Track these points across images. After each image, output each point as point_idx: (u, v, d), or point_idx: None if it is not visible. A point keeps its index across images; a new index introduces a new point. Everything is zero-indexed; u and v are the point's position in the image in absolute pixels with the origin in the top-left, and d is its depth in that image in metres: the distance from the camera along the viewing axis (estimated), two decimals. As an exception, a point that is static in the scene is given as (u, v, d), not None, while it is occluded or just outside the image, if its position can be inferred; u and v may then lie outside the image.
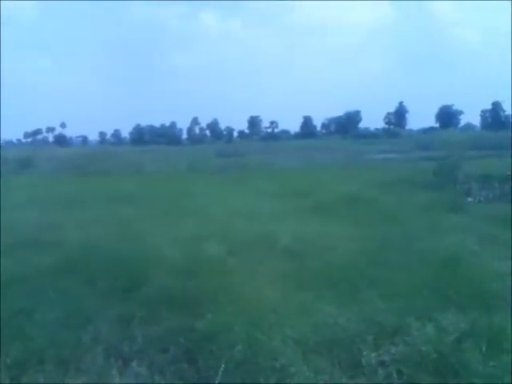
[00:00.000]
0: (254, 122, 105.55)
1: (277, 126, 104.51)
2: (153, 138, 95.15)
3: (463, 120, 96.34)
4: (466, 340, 5.15)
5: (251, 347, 5.29)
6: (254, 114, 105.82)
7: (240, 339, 5.41)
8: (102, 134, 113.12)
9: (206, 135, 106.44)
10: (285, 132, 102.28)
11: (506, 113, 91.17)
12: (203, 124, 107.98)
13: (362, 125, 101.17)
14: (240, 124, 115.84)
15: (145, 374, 4.99)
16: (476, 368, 4.58)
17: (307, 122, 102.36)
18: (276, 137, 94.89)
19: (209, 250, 9.19)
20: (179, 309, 6.46)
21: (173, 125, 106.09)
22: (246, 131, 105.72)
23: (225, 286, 7.15)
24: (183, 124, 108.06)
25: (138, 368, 5.09)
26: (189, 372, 5.08)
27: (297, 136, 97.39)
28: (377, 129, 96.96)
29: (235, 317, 5.99)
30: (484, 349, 4.94)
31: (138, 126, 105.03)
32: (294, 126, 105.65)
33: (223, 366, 4.99)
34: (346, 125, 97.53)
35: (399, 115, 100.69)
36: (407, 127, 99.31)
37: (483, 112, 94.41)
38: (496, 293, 6.70)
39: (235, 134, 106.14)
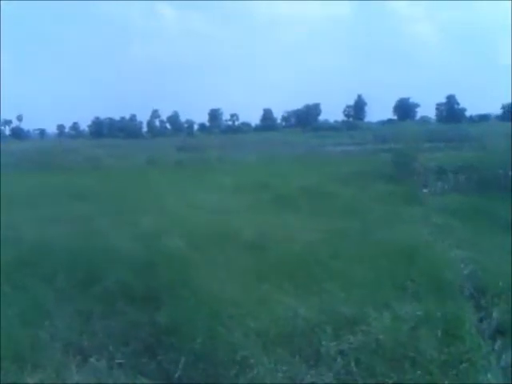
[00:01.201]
0: (214, 115, 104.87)
1: (237, 119, 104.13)
2: (112, 131, 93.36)
3: (419, 113, 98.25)
4: (421, 328, 5.31)
5: (212, 340, 5.32)
6: (215, 106, 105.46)
7: (200, 332, 5.44)
8: (61, 127, 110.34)
9: (166, 128, 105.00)
10: (245, 125, 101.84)
11: (460, 106, 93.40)
12: (163, 117, 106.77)
13: (321, 117, 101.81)
14: (201, 117, 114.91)
15: (104, 369, 4.96)
16: (431, 355, 4.73)
17: (267, 115, 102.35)
18: (237, 129, 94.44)
19: (169, 244, 9.12)
20: (139, 303, 6.45)
21: (133, 118, 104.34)
22: (207, 124, 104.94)
23: (185, 279, 7.15)
24: (143, 117, 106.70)
25: (97, 363, 5.06)
26: (149, 366, 5.09)
27: (257, 129, 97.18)
28: (336, 121, 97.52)
29: (195, 310, 6.02)
30: (439, 336, 5.11)
31: (97, 118, 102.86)
32: (254, 119, 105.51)
33: (184, 359, 5.01)
34: (306, 117, 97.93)
35: (358, 108, 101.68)
36: (366, 119, 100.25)
37: (438, 105, 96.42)
38: (450, 281, 6.91)
39: (196, 126, 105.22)
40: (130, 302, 6.49)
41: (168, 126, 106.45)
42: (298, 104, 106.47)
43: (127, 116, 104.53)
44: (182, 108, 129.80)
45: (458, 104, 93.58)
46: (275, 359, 4.95)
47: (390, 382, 4.41)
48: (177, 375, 4.88)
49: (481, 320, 5.81)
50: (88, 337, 5.61)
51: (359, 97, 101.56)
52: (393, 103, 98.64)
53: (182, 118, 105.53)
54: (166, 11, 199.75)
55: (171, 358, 5.12)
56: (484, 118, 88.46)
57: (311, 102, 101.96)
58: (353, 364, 4.74)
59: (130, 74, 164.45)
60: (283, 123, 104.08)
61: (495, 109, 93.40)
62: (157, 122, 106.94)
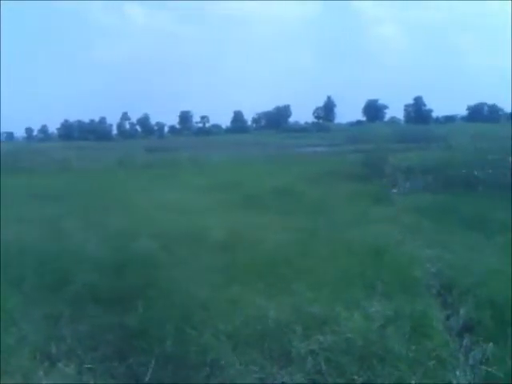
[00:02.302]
0: (184, 117, 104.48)
1: (208, 121, 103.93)
2: (82, 134, 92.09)
3: (388, 114, 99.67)
4: (390, 326, 5.35)
5: (182, 342, 5.29)
6: (185, 108, 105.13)
7: (170, 334, 5.41)
8: (29, 130, 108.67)
9: (136, 130, 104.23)
10: (216, 127, 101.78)
11: (427, 107, 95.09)
12: (133, 119, 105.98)
13: (291, 119, 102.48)
14: (171, 119, 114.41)
15: (73, 374, 4.87)
16: (399, 352, 4.76)
17: (238, 117, 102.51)
18: (207, 132, 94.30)
19: (138, 245, 9.06)
20: (108, 306, 6.35)
21: (102, 120, 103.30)
22: (177, 126, 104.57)
23: (155, 281, 7.11)
24: (113, 119, 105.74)
25: (66, 368, 4.96)
26: (119, 369, 5.02)
27: (228, 131, 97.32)
28: (306, 123, 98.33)
29: (166, 312, 5.98)
30: (407, 334, 5.16)
31: (66, 121, 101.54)
32: (225, 121, 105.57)
33: (154, 361, 4.95)
34: (277, 119, 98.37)
35: (328, 109, 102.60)
36: (336, 121, 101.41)
37: (406, 106, 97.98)
38: (418, 279, 7.02)
39: (166, 129, 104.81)
40: (99, 305, 6.39)
41: (138, 128, 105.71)
42: (268, 106, 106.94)
43: (97, 118, 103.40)
44: (152, 110, 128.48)
45: (425, 105, 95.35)
46: (246, 360, 4.93)
47: (360, 380, 4.43)
48: (147, 378, 4.82)
49: (448, 317, 5.88)
50: (56, 341, 5.49)
51: (329, 98, 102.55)
52: (362, 104, 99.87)
53: (153, 121, 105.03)
54: (134, 11, 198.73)
55: (141, 361, 5.05)
56: (450, 119, 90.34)
57: (281, 103, 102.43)
58: (323, 363, 4.74)
59: (99, 75, 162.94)
60: (254, 125, 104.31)
61: (461, 110, 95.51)
62: (127, 125, 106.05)
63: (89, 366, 5.02)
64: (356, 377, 4.46)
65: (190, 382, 4.75)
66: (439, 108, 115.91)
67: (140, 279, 7.17)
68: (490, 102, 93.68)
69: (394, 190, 16.78)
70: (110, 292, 6.74)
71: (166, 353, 5.12)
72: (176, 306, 6.17)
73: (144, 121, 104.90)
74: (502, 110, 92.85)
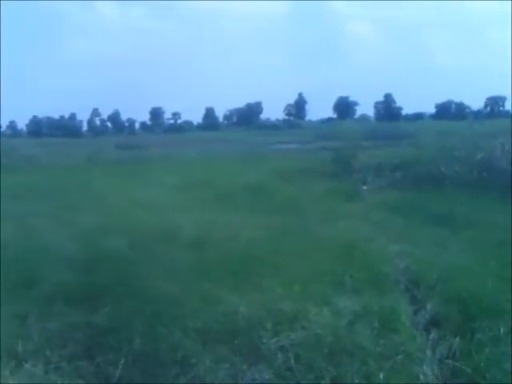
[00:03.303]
0: (156, 114, 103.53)
1: (179, 118, 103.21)
2: (51, 131, 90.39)
3: (359, 111, 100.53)
4: (359, 322, 5.42)
5: (151, 340, 5.28)
6: (157, 105, 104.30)
7: (140, 332, 5.38)
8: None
9: (107, 127, 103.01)
10: (187, 123, 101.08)
11: (397, 105, 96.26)
12: (104, 115, 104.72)
13: (263, 116, 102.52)
14: (142, 115, 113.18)
15: (40, 374, 4.80)
16: (368, 348, 4.83)
17: (209, 114, 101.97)
18: (179, 128, 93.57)
19: (109, 243, 9.00)
20: (77, 304, 6.29)
21: (72, 116, 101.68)
22: (149, 123, 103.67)
23: (125, 279, 7.07)
24: (83, 115, 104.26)
25: (33, 368, 4.88)
26: (87, 369, 4.95)
27: (200, 127, 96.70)
28: (278, 120, 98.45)
29: (135, 310, 5.97)
30: (375, 329, 5.24)
31: (35, 117, 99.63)
32: (196, 117, 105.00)
33: (123, 360, 4.91)
34: (248, 116, 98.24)
35: (299, 106, 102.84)
36: (307, 118, 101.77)
37: (376, 104, 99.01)
38: (386, 275, 7.11)
39: (137, 125, 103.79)
40: (68, 303, 6.32)
41: (109, 124, 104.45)
42: (239, 102, 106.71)
43: (66, 115, 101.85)
44: (123, 106, 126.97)
45: (394, 103, 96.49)
46: (216, 358, 4.94)
47: (329, 376, 4.47)
48: (116, 377, 4.78)
49: (415, 312, 5.96)
50: (23, 341, 5.39)
51: (300, 95, 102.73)
52: (333, 102, 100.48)
53: (123, 117, 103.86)
54: (105, 6, 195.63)
55: (110, 360, 5.00)
56: (419, 116, 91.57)
57: (253, 100, 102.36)
58: (292, 360, 4.77)
59: (69, 71, 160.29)
60: (225, 122, 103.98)
61: (429, 108, 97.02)
62: (97, 121, 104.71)
63: (56, 365, 4.95)
64: (325, 372, 4.50)
65: (160, 380, 4.72)
66: (408, 105, 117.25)
67: (110, 277, 7.13)
68: (457, 100, 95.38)
69: (364, 187, 16.92)
70: (80, 290, 6.69)
71: (135, 351, 5.09)
72: (146, 304, 6.15)
73: (115, 117, 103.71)
74: (468, 107, 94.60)
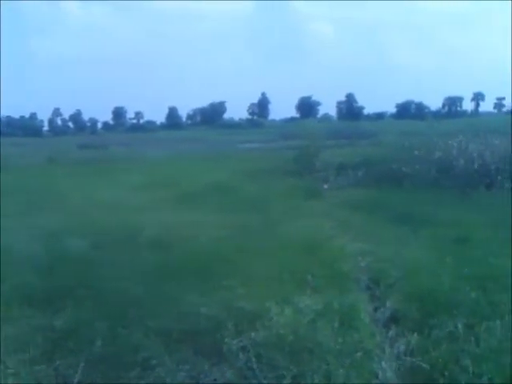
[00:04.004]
0: (118, 113, 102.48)
1: (142, 117, 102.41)
2: (10, 130, 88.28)
3: (321, 111, 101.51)
4: (320, 320, 5.45)
5: (112, 342, 5.22)
6: (119, 104, 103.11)
7: (100, 335, 5.32)
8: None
9: (68, 127, 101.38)
10: (150, 123, 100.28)
11: (359, 104, 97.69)
12: (65, 115, 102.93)
13: (226, 115, 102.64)
14: (104, 115, 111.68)
15: (-3, 380, 4.68)
16: (328, 346, 4.87)
17: (173, 113, 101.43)
18: (141, 128, 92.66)
19: (71, 244, 8.92)
20: (38, 307, 6.20)
21: (33, 116, 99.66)
22: (111, 122, 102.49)
23: (86, 280, 6.98)
24: (44, 115, 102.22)
25: (-11, 374, 4.75)
26: (45, 372, 4.85)
27: (163, 127, 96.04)
28: (241, 119, 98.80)
29: (96, 312, 5.91)
30: (336, 327, 5.28)
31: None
32: (159, 117, 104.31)
33: (83, 363, 4.83)
34: (211, 115, 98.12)
35: (262, 106, 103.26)
36: (270, 117, 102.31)
37: (338, 103, 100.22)
38: (347, 273, 7.19)
39: (99, 125, 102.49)
40: (27, 306, 6.21)
41: (70, 124, 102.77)
42: (203, 102, 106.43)
43: (27, 114, 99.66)
44: (85, 106, 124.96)
45: (356, 102, 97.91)
46: (177, 359, 4.92)
47: (290, 375, 4.49)
48: (75, 380, 4.69)
49: (375, 310, 6.06)
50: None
51: (263, 95, 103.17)
52: (295, 101, 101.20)
53: (85, 117, 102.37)
54: (67, 4, 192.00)
55: (69, 363, 4.91)
56: (380, 115, 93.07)
57: (216, 100, 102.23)
58: (254, 359, 4.77)
59: (31, 70, 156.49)
60: (188, 121, 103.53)
61: (390, 107, 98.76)
62: (58, 121, 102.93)
63: (13, 370, 4.83)
64: (286, 372, 4.52)
65: (121, 382, 4.66)
66: (370, 105, 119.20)
67: (71, 279, 7.04)
68: (416, 100, 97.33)
69: (326, 186, 17.10)
70: (40, 292, 6.59)
71: (95, 353, 5.02)
72: (107, 306, 6.10)
73: (76, 117, 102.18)
74: (427, 107, 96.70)
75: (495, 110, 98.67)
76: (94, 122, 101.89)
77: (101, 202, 13.74)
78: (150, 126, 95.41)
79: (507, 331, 5.08)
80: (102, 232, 9.89)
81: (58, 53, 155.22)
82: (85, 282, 6.88)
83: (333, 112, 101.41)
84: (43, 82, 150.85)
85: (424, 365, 4.60)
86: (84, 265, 7.73)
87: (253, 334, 5.21)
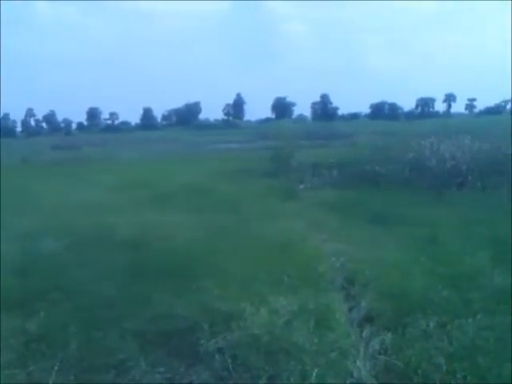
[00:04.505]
0: (93, 114, 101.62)
1: (117, 118, 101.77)
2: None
3: (296, 111, 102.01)
4: (295, 320, 5.47)
5: (87, 345, 5.18)
6: (94, 105, 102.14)
7: (75, 337, 5.28)
8: None
9: (42, 127, 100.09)
10: (125, 124, 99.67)
11: (333, 105, 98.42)
12: (39, 116, 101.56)
13: (201, 116, 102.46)
14: (78, 116, 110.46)
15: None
16: (304, 346, 4.89)
17: (147, 114, 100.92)
18: (116, 129, 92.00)
19: (44, 246, 8.82)
20: (11, 310, 6.12)
21: (6, 116, 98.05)
22: (85, 123, 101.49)
23: (60, 282, 6.93)
24: (17, 116, 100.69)
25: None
26: (20, 376, 4.79)
27: (138, 128, 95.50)
28: (216, 120, 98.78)
29: (71, 314, 5.86)
30: (311, 327, 5.30)
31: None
32: (134, 118, 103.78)
33: (57, 366, 4.79)
34: (187, 116, 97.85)
35: (237, 106, 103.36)
36: (245, 118, 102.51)
37: (313, 104, 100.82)
38: (323, 274, 7.20)
39: (74, 125, 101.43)
40: (0, 309, 6.10)
41: (44, 125, 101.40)
42: (178, 103, 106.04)
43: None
44: (59, 107, 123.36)
45: (331, 103, 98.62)
46: (153, 360, 4.92)
47: (265, 375, 4.50)
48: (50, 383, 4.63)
49: (350, 309, 6.10)
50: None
51: (238, 96, 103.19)
52: (270, 102, 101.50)
53: (59, 118, 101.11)
54: (38, 4, 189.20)
55: (43, 367, 4.85)
56: (354, 116, 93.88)
57: (191, 100, 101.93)
58: (230, 360, 4.78)
59: (3, 70, 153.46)
60: (163, 122, 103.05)
61: (364, 108, 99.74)
62: (32, 122, 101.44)
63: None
64: (262, 372, 4.53)
65: (95, 385, 4.62)
66: (344, 106, 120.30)
67: (45, 281, 6.98)
68: (390, 100, 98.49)
69: (301, 186, 17.14)
70: (13, 295, 6.51)
71: (70, 356, 4.98)
72: (81, 308, 6.06)
73: (50, 117, 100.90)
74: (401, 108, 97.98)
75: (466, 111, 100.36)
76: (68, 122, 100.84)
77: (75, 203, 13.63)
78: (124, 127, 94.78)
79: (479, 329, 5.16)
80: (76, 233, 9.81)
81: (30, 53, 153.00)
82: (59, 284, 6.81)
83: (307, 113, 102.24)
84: (16, 82, 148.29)
85: (398, 363, 4.65)
86: (58, 267, 7.66)
87: (228, 335, 5.22)
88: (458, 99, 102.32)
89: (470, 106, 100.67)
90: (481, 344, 4.84)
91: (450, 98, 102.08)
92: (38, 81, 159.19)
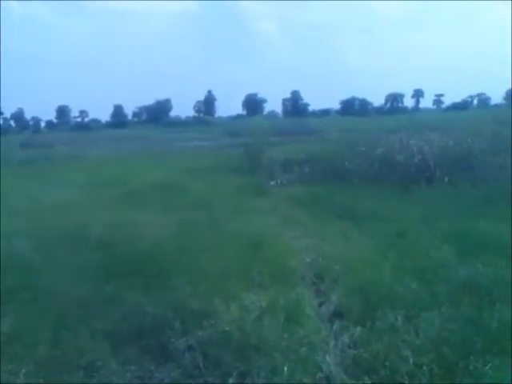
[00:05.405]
0: (62, 112, 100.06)
1: (87, 116, 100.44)
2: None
3: (267, 108, 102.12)
4: (266, 317, 5.49)
5: (56, 346, 5.15)
6: (63, 103, 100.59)
7: (44, 338, 5.25)
8: None
9: (10, 126, 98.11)
10: (95, 121, 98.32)
11: (304, 101, 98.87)
12: (7, 114, 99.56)
13: (172, 113, 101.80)
14: (48, 114, 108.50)
15: None
16: (274, 342, 4.92)
17: (118, 111, 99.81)
18: (86, 126, 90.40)
19: (13, 246, 8.65)
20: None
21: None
22: (55, 121, 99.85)
23: (29, 283, 6.88)
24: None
25: None
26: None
27: (108, 125, 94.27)
28: (187, 117, 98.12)
29: (40, 315, 5.81)
30: (282, 323, 5.34)
31: None
32: (104, 115, 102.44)
33: (25, 368, 4.74)
34: (157, 113, 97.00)
35: (208, 103, 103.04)
36: (216, 115, 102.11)
37: (284, 100, 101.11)
38: (293, 269, 7.27)
39: (43, 124, 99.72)
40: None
41: (12, 123, 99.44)
42: (148, 100, 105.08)
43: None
44: (28, 105, 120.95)
45: (301, 99, 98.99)
46: (123, 359, 4.91)
47: (236, 372, 4.53)
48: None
49: (320, 304, 6.17)
50: None
51: (209, 92, 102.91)
52: (241, 99, 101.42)
53: (28, 116, 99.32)
54: (11, 4, 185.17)
55: (11, 370, 4.79)
56: (325, 112, 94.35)
57: (162, 97, 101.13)
58: (200, 358, 4.80)
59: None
60: (134, 119, 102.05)
61: (335, 104, 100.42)
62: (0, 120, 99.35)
63: None
64: (232, 369, 4.56)
65: (65, 386, 4.59)
66: (315, 102, 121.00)
67: (14, 282, 6.90)
68: (360, 96, 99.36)
69: (272, 183, 17.14)
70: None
71: (38, 358, 4.94)
72: (51, 308, 6.01)
73: (18, 115, 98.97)
74: (371, 104, 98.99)
75: (434, 107, 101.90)
76: (37, 120, 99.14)
77: (44, 202, 13.48)
78: (94, 125, 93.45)
79: (445, 321, 5.27)
80: (46, 233, 9.66)
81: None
82: (28, 285, 6.76)
83: (279, 109, 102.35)
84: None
85: (366, 356, 4.72)
86: (27, 267, 7.56)
87: (199, 333, 5.23)
88: (425, 95, 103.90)
89: (438, 101, 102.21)
90: (446, 336, 4.93)
91: (418, 94, 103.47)
92: (6, 79, 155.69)
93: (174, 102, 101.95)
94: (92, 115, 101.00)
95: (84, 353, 4.97)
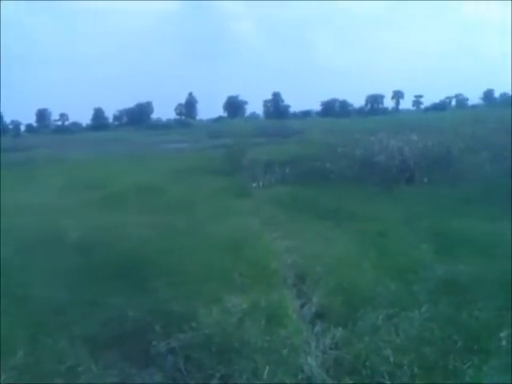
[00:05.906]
0: (42, 115, 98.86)
1: (67, 119, 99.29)
2: None
3: (248, 110, 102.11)
4: (247, 319, 5.49)
5: (35, 352, 5.09)
6: (43, 106, 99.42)
7: (22, 345, 5.17)
8: None
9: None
10: (76, 124, 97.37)
11: (285, 103, 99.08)
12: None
13: (153, 116, 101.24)
14: (27, 117, 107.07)
15: None
16: (256, 344, 4.91)
17: (98, 114, 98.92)
18: (67, 130, 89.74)
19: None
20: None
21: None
22: (34, 125, 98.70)
23: (7, 287, 6.80)
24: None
25: None
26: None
27: (89, 128, 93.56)
28: (169, 119, 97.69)
29: (18, 320, 5.77)
30: (263, 325, 5.33)
31: None
32: (85, 119, 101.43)
33: (4, 376, 4.69)
34: (139, 116, 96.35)
35: (189, 106, 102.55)
36: (198, 117, 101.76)
37: (265, 102, 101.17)
38: (275, 271, 7.27)
39: (23, 127, 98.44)
40: None
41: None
42: (129, 103, 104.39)
43: None
44: (6, 108, 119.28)
45: (283, 101, 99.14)
46: (104, 364, 4.86)
47: (218, 374, 4.52)
48: (-6, 394, 4.53)
49: (302, 306, 6.16)
50: None
51: (190, 95, 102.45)
52: (223, 101, 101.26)
53: (7, 119, 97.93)
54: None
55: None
56: (306, 114, 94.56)
57: (143, 100, 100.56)
58: (182, 361, 4.78)
59: None
60: (115, 122, 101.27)
61: (316, 105, 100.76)
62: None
63: None
64: (214, 372, 4.55)
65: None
66: (296, 103, 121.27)
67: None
68: (341, 98, 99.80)
69: (254, 184, 17.11)
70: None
71: (17, 365, 4.86)
72: (30, 314, 5.95)
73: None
74: (351, 105, 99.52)
75: (414, 108, 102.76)
76: (16, 124, 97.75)
77: (24, 206, 13.34)
78: (75, 128, 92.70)
79: (425, 320, 5.32)
80: (25, 237, 9.63)
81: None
82: (6, 290, 6.68)
83: (260, 111, 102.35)
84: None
85: (348, 357, 4.74)
86: (5, 271, 7.46)
87: (181, 336, 5.21)
88: (405, 96, 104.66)
89: (417, 102, 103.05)
90: (426, 335, 4.98)
91: (398, 95, 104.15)
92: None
93: (155, 105, 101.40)
94: (72, 118, 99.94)
95: (64, 358, 4.91)
